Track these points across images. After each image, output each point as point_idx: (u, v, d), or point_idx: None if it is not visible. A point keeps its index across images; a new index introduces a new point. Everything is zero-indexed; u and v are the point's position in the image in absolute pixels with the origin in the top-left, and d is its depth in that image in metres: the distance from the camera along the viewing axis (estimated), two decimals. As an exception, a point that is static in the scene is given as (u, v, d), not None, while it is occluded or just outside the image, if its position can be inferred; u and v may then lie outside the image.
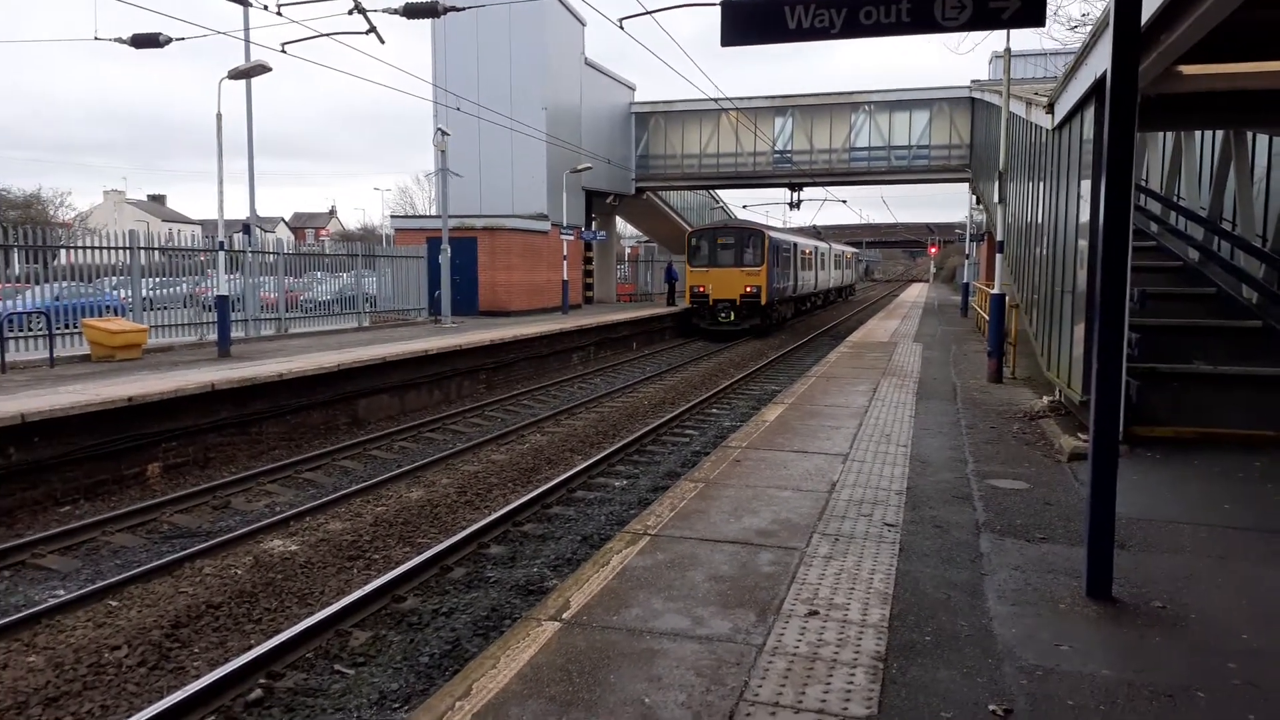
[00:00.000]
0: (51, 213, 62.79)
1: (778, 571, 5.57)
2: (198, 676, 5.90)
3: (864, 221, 71.82)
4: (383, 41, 15.32)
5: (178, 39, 16.15)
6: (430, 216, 33.05)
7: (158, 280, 18.45)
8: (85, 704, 5.68)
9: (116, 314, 17.04)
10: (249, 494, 10.67)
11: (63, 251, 17.57)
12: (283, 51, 16.22)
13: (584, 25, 34.56)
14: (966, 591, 5.26)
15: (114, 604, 7.23)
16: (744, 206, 50.04)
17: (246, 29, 23.99)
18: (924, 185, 39.57)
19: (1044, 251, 12.79)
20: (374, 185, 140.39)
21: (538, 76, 31.40)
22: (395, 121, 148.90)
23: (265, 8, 14.81)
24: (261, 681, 5.83)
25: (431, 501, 10.24)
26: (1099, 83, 8.65)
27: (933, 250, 78.90)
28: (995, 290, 14.99)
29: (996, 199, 16.30)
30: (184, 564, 8.10)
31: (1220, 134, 13.09)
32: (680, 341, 31.35)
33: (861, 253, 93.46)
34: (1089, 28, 12.62)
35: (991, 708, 3.90)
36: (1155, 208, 15.81)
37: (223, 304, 16.80)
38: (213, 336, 17.68)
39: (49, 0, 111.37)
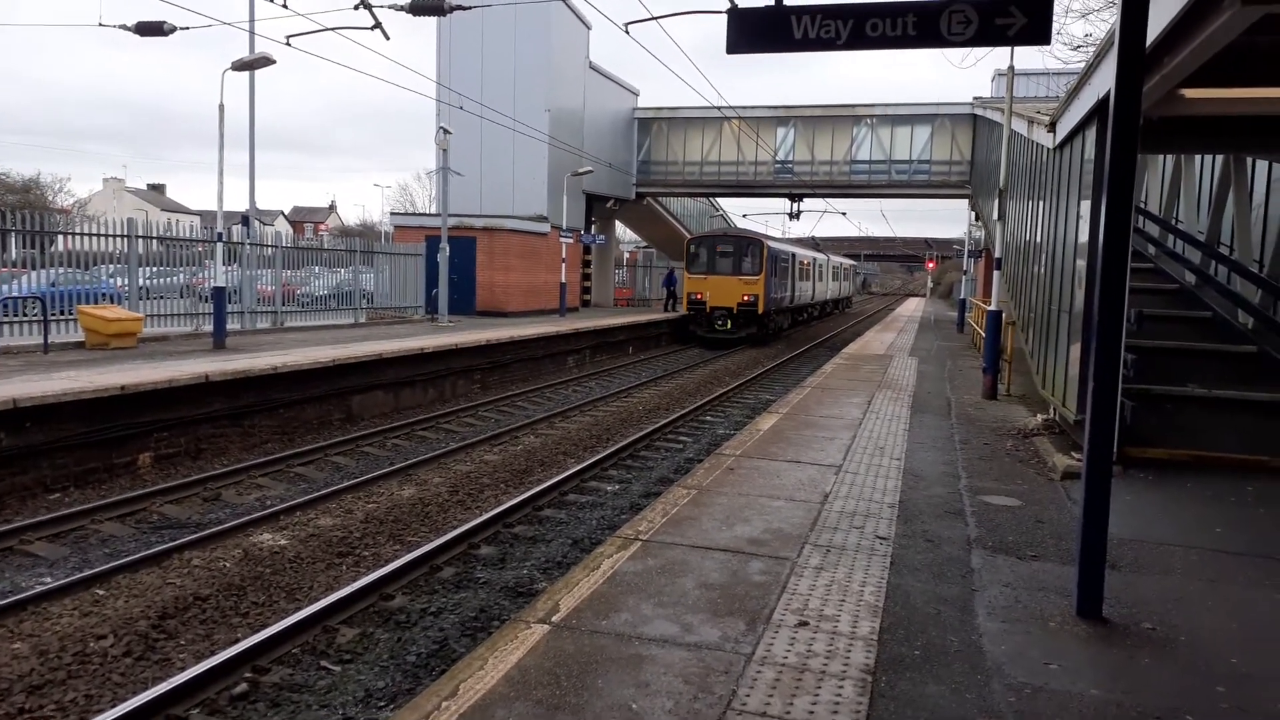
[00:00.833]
0: (50, 198, 62.66)
1: (768, 581, 5.56)
2: (183, 668, 5.87)
3: (863, 234, 71.98)
4: (388, 38, 15.31)
5: (182, 28, 16.11)
6: (430, 215, 33.00)
7: (155, 270, 18.41)
8: (69, 693, 5.65)
9: (112, 302, 17.00)
10: (240, 487, 10.63)
11: (60, 237, 17.51)
12: (287, 44, 16.22)
13: (589, 29, 34.59)
14: (957, 607, 5.26)
15: (101, 593, 7.20)
16: (744, 215, 50.38)
17: (252, 20, 23.95)
18: (923, 200, 39.66)
19: (1042, 270, 12.82)
20: (374, 181, 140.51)
21: (541, 78, 31.43)
22: (397, 119, 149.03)
23: (271, 0, 14.79)
24: (247, 675, 5.80)
25: (423, 500, 10.22)
26: (1102, 103, 8.68)
27: (930, 265, 79.04)
28: (992, 307, 15.02)
29: (996, 216, 16.34)
30: (173, 555, 8.07)
31: (1220, 158, 13.14)
32: (676, 348, 31.36)
33: (859, 265, 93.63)
34: (1092, 49, 12.67)
35: (979, 724, 3.89)
36: (1154, 230, 15.87)
37: (220, 295, 16.76)
38: (208, 327, 17.63)
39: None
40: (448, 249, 24.77)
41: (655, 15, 10.15)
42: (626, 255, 54.15)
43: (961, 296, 35.63)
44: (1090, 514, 5.09)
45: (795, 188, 37.75)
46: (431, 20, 31.36)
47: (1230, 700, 4.19)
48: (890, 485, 8.24)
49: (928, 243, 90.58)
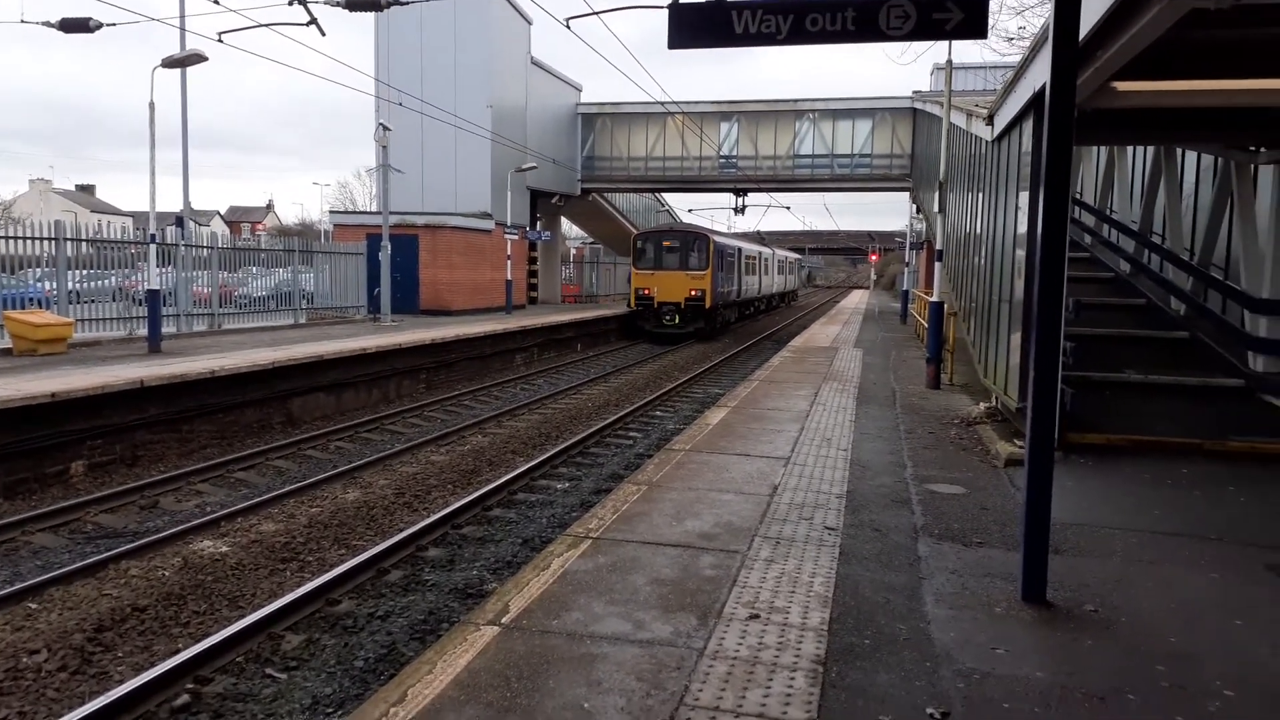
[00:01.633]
0: (-28, 201, 60.50)
1: (719, 575, 5.56)
2: (121, 681, 5.70)
3: (807, 228, 72.65)
4: (324, 34, 15.01)
5: (109, 24, 15.64)
6: (370, 213, 32.55)
7: (86, 273, 17.87)
8: (2, 710, 5.44)
9: (41, 306, 16.46)
10: (178, 493, 10.37)
11: (-16, 241, 16.90)
12: (220, 41, 15.82)
13: (530, 24, 34.37)
14: (905, 595, 5.31)
15: (33, 606, 6.96)
16: (689, 210, 50.38)
17: (182, 16, 23.38)
18: (866, 194, 40.28)
19: (982, 261, 13.04)
20: (313, 180, 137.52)
21: (482, 74, 31.14)
22: (335, 116, 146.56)
23: (203, -5, 14.42)
24: (189, 686, 5.65)
25: (368, 503, 10.06)
26: (1037, 96, 8.84)
27: (874, 258, 79.98)
28: (934, 298, 15.25)
29: (936, 208, 16.59)
30: (108, 565, 7.83)
31: (1152, 150, 13.49)
32: (625, 344, 31.34)
33: (804, 259, 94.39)
34: (1027, 42, 12.91)
35: (930, 711, 3.93)
36: (1090, 220, 16.25)
37: (154, 298, 16.33)
38: (143, 331, 17.16)
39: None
40: (389, 247, 24.44)
41: (596, 10, 10.09)
42: (573, 251, 53.99)
43: (904, 288, 36.16)
44: (1033, 500, 5.17)
45: (740, 182, 37.99)
46: (369, 16, 30.92)
47: (1170, 679, 4.29)
48: (838, 476, 8.30)
49: (871, 235, 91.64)
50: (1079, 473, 8.43)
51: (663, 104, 28.67)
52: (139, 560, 8.01)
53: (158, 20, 17.72)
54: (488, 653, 4.41)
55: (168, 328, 18.29)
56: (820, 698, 4.02)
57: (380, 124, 25.18)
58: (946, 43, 14.79)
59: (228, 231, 70.08)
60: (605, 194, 41.24)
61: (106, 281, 18.55)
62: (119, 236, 19.58)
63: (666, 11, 6.59)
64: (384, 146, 24.94)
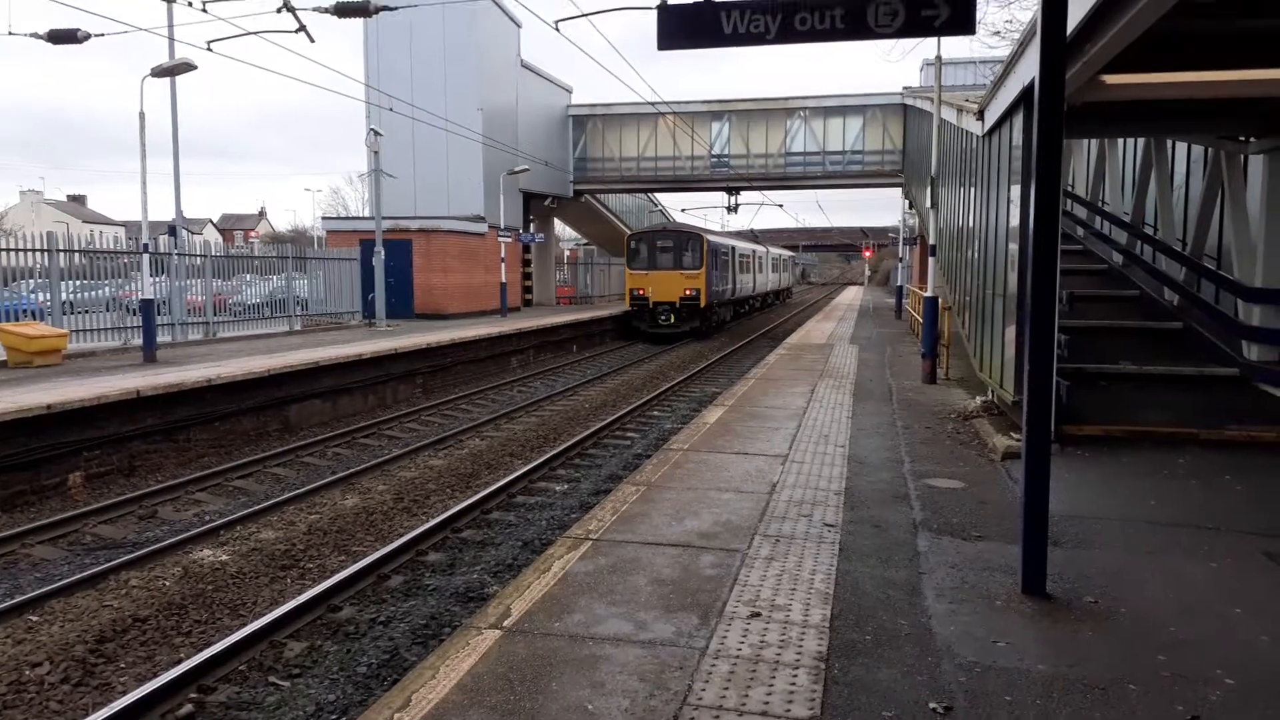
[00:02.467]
0: (-37, 214, 60.33)
1: (720, 574, 5.57)
2: (125, 692, 5.69)
3: (800, 225, 72.63)
4: (313, 40, 15.01)
5: (97, 35, 15.59)
6: (363, 218, 32.53)
7: (79, 283, 17.84)
8: (3, 725, 5.45)
9: (35, 318, 16.43)
10: (177, 503, 10.35)
11: (-24, 253, 16.86)
12: (209, 50, 15.81)
13: (519, 27, 34.36)
14: (905, 590, 5.32)
15: (34, 619, 6.94)
16: (682, 210, 50.42)
17: (171, 26, 23.24)
18: (858, 190, 40.27)
19: (975, 255, 13.07)
20: (305, 186, 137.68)
21: (473, 77, 31.11)
22: (326, 122, 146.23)
23: (190, 4, 14.39)
24: (193, 696, 5.65)
25: (367, 509, 10.05)
26: (1027, 91, 8.86)
27: (867, 254, 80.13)
28: (928, 293, 15.27)
29: (929, 204, 16.62)
30: (109, 576, 7.81)
31: (1142, 141, 13.53)
32: (621, 344, 31.34)
33: (798, 256, 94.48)
34: (1014, 35, 12.94)
35: (932, 706, 3.94)
36: (1081, 213, 16.29)
37: (148, 308, 16.31)
38: (138, 341, 17.14)
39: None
40: (383, 252, 24.43)
41: (585, 12, 10.11)
42: (567, 253, 53.96)
43: (899, 284, 36.21)
44: (1031, 493, 5.19)
45: (732, 181, 38.01)
46: (358, 22, 30.88)
47: (1170, 668, 4.31)
48: (836, 473, 8.32)
49: (864, 231, 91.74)
50: (1076, 465, 8.46)
51: (653, 104, 28.69)
52: (139, 570, 7.99)
53: (146, 30, 17.69)
54: (490, 656, 4.42)
55: (163, 337, 18.26)
56: (823, 694, 4.04)
57: (371, 129, 25.19)
58: (935, 39, 14.83)
59: (221, 239, 69.99)
60: (598, 195, 41.23)
61: (100, 292, 18.53)
62: (111, 247, 19.53)
63: (655, 13, 6.61)
64: (375, 151, 24.94)
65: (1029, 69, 8.55)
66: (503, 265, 30.69)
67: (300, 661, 6.24)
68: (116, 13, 16.50)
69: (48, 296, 16.93)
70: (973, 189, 13.60)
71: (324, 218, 41.27)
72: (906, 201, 35.35)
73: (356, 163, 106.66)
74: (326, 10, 15.69)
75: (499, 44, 32.83)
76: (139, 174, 15.93)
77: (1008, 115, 10.34)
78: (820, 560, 5.84)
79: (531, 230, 36.42)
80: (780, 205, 47.27)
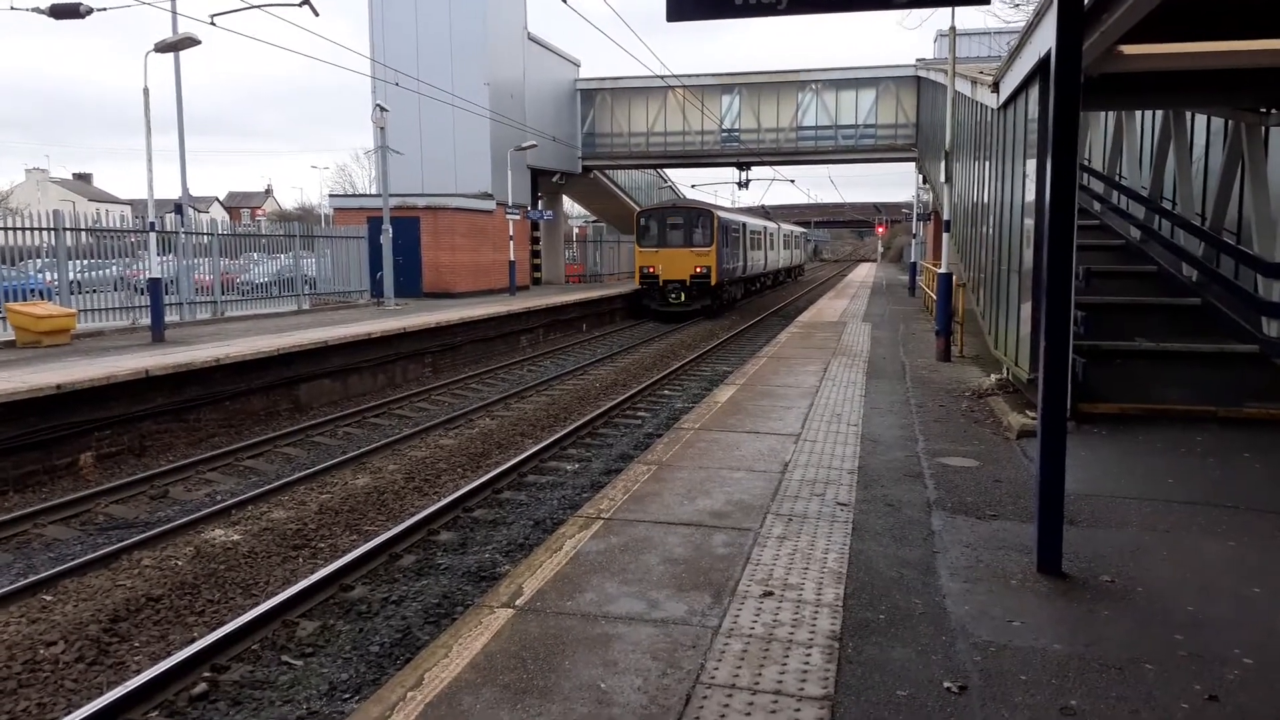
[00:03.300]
0: (-32, 193, 60.45)
1: (732, 553, 5.54)
2: (139, 671, 5.71)
3: (812, 201, 72.25)
4: (316, 14, 14.91)
5: (99, 9, 15.47)
6: (370, 195, 32.39)
7: (86, 262, 17.85)
8: (21, 702, 5.47)
9: (43, 298, 16.45)
10: (188, 483, 10.38)
11: (-17, 233, 16.87)
12: (212, 24, 15.70)
13: (526, -1, 34.07)
14: (919, 569, 5.28)
15: (48, 599, 6.98)
16: (692, 186, 50.09)
17: (174, 0, 23.16)
18: (871, 165, 39.89)
19: (990, 230, 12.93)
20: (311, 163, 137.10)
21: (479, 51, 30.86)
22: (332, 98, 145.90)
23: (196, -21, 14.27)
24: (206, 675, 5.66)
25: (378, 488, 10.06)
26: (1043, 62, 8.71)
27: (880, 230, 79.69)
28: (942, 269, 15.14)
29: (943, 178, 16.44)
30: (121, 556, 7.84)
31: (1160, 114, 13.33)
32: (631, 323, 31.27)
33: (810, 232, 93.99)
34: (1031, 6, 12.74)
35: (946, 685, 3.90)
36: (1098, 187, 16.10)
37: (156, 287, 16.31)
38: (146, 320, 17.16)
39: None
40: (390, 230, 24.35)
41: (594, -16, 9.98)
42: (576, 231, 53.78)
43: (912, 260, 35.97)
44: (1047, 471, 5.13)
45: (743, 156, 37.67)
46: (365, -4, 30.61)
47: (1188, 648, 4.26)
48: (849, 451, 8.27)
49: (877, 207, 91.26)
50: (1092, 443, 8.38)
51: (662, 78, 28.44)
52: (151, 550, 8.02)
53: (149, 4, 17.57)
54: (502, 635, 4.39)
55: (171, 316, 18.29)
56: (836, 673, 4.00)
57: (377, 105, 25.03)
58: (950, 9, 14.61)
59: (227, 217, 69.98)
60: (607, 171, 40.97)
61: (107, 271, 18.53)
62: (118, 225, 19.53)
63: (665, -16, 6.48)
64: (382, 128, 24.80)
65: (1045, 39, 8.40)
66: (511, 243, 30.56)
67: (313, 640, 6.25)
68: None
69: (55, 276, 16.94)
70: (988, 163, 13.44)
71: (331, 195, 41.16)
72: (920, 176, 35.04)
73: (363, 139, 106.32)
74: (332, -15, 15.56)
75: (505, 16, 32.51)
76: (144, 151, 15.84)
77: (1023, 87, 10.18)
78: (833, 539, 5.79)
79: (540, 207, 36.24)
80: (792, 180, 46.99)
